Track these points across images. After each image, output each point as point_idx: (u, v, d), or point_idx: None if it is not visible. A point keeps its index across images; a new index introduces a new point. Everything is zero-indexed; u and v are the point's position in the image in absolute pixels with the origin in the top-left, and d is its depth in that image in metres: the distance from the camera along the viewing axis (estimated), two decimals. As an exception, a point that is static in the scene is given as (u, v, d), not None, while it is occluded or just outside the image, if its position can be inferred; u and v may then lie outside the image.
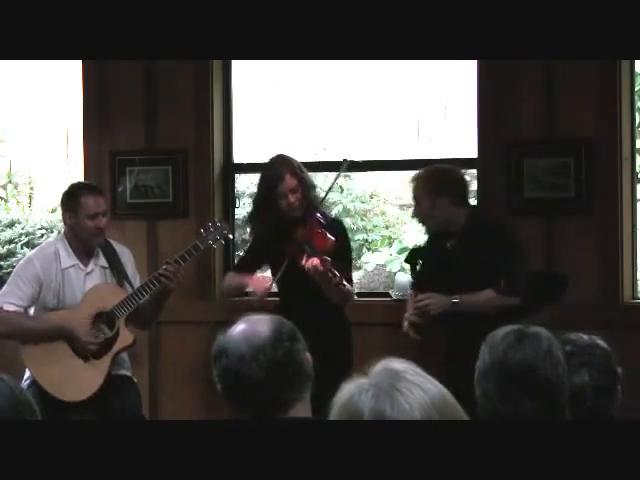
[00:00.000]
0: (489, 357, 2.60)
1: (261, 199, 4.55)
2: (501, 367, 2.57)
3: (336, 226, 4.59)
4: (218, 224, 4.70)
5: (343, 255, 4.49)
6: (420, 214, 4.48)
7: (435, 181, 4.43)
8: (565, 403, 2.63)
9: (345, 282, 4.35)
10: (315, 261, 4.25)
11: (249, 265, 4.70)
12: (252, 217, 4.64)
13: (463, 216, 4.42)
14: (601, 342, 2.87)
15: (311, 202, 4.50)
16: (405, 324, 4.39)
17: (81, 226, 4.52)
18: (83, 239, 4.56)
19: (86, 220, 4.50)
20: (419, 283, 4.50)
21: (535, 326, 2.71)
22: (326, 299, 4.41)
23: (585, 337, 2.88)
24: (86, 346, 4.46)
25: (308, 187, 4.51)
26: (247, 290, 4.61)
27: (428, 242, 4.64)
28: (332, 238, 4.40)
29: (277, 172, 4.47)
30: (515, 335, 2.62)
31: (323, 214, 4.56)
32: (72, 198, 4.55)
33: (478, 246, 4.32)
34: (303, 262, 4.31)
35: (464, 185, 4.54)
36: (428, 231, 4.56)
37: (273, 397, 2.41)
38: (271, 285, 4.51)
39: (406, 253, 5.03)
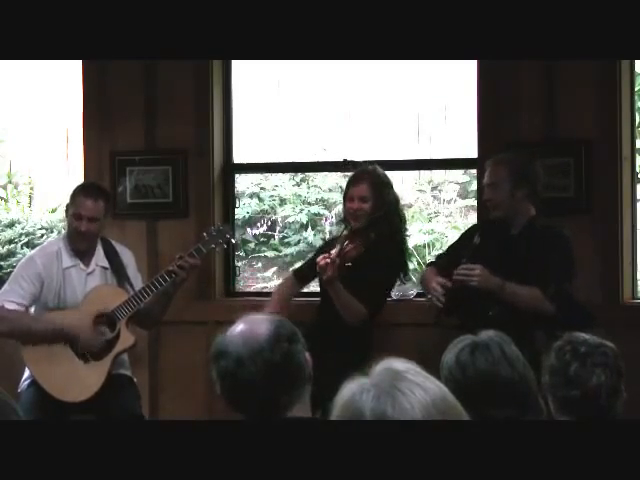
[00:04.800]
0: (451, 380, 2.60)
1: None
2: (462, 386, 2.57)
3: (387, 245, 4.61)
4: (220, 228, 4.71)
5: (375, 267, 4.51)
6: (495, 198, 4.39)
7: (520, 171, 4.37)
8: (536, 395, 2.64)
9: (359, 297, 4.44)
10: (327, 255, 4.36)
11: (309, 272, 4.77)
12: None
13: (530, 213, 4.40)
14: (606, 341, 2.87)
15: (379, 222, 4.55)
16: (434, 288, 4.32)
17: (68, 222, 4.60)
18: (69, 237, 4.58)
19: (72, 217, 4.54)
20: (470, 259, 4.34)
21: (484, 332, 2.72)
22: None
23: (588, 337, 2.88)
24: (87, 347, 4.46)
25: (386, 208, 4.57)
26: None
27: (484, 226, 4.54)
28: (357, 247, 4.44)
29: (354, 175, 4.64)
30: (468, 350, 2.64)
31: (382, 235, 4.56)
32: (72, 193, 4.59)
33: (539, 247, 4.30)
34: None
35: (540, 182, 4.49)
36: (493, 217, 4.46)
37: (271, 399, 2.41)
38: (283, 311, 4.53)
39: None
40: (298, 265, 5.17)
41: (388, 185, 4.66)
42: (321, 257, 4.42)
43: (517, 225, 4.41)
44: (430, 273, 4.51)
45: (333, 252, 4.38)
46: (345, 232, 4.65)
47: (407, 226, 4.86)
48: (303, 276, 4.88)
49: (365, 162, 4.87)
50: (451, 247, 4.76)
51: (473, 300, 4.25)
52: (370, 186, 4.58)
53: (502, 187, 4.36)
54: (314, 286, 5.06)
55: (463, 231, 4.85)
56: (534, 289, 4.24)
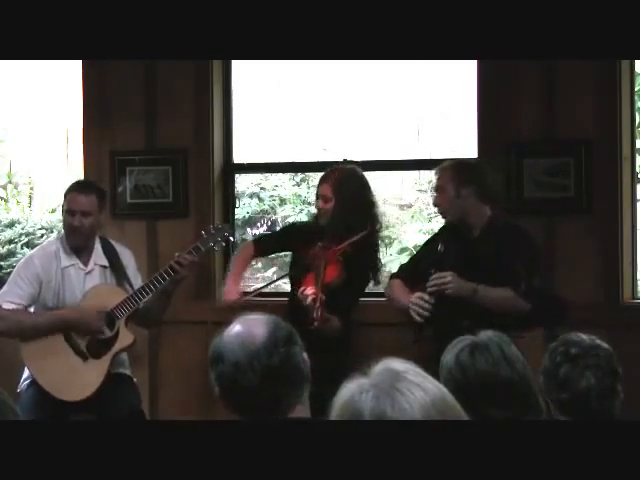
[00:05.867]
0: (450, 381, 2.59)
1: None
2: (462, 386, 2.57)
3: (359, 255, 4.59)
4: (219, 226, 4.72)
5: (348, 284, 4.51)
6: (442, 202, 4.41)
7: (462, 171, 4.38)
8: (536, 395, 2.64)
9: (329, 316, 4.41)
10: (307, 291, 4.33)
11: (268, 245, 4.96)
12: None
13: (485, 214, 4.37)
14: (602, 342, 2.86)
15: (345, 223, 4.55)
16: (414, 303, 4.29)
17: (63, 220, 4.61)
18: (65, 234, 4.59)
19: (65, 214, 4.56)
20: (437, 268, 4.31)
21: (483, 332, 2.71)
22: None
23: (585, 337, 2.87)
24: (88, 327, 4.46)
25: (344, 207, 4.56)
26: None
27: (445, 233, 4.52)
28: (340, 275, 4.43)
29: (324, 174, 4.71)
30: (467, 351, 2.63)
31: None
32: (65, 192, 4.63)
33: (503, 246, 4.28)
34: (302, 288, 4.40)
35: (491, 181, 4.46)
36: (447, 221, 4.47)
37: (270, 403, 2.39)
38: (238, 299, 4.62)
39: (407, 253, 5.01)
40: (259, 235, 5.27)
41: (354, 184, 4.66)
42: (309, 296, 4.31)
43: (476, 227, 4.38)
44: (398, 286, 4.48)
45: (310, 292, 4.32)
46: (318, 248, 4.53)
47: (383, 226, 4.86)
48: (263, 249, 4.97)
49: (346, 161, 4.93)
50: (414, 257, 4.73)
51: (446, 311, 4.21)
52: (332, 185, 4.60)
53: (447, 190, 4.36)
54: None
55: (427, 240, 4.82)
56: (506, 289, 4.20)
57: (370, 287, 4.85)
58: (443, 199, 4.40)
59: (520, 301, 4.19)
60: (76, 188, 4.59)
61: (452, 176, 4.37)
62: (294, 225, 5.12)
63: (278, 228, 5.12)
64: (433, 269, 4.31)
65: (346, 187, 4.62)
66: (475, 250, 4.34)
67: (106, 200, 4.75)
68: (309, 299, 4.29)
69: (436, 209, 4.57)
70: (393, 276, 4.65)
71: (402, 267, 4.71)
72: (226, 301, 4.69)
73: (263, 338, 2.41)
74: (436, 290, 4.23)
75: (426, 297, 4.27)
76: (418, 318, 4.27)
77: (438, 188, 4.44)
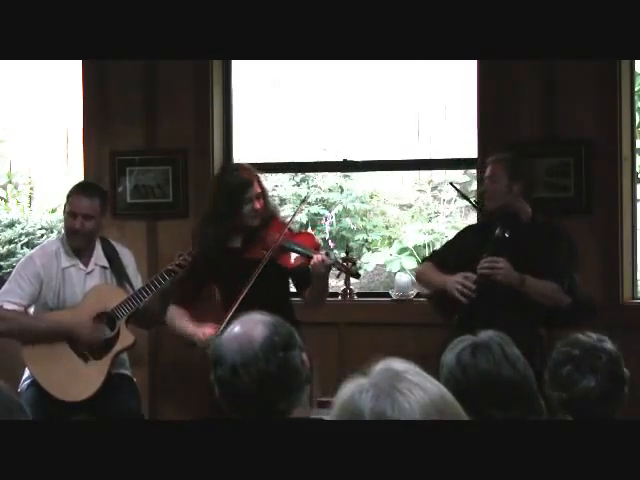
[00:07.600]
0: (451, 381, 2.59)
1: (225, 207, 4.34)
2: (463, 386, 2.56)
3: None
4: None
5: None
6: (491, 192, 4.46)
7: (517, 167, 4.47)
8: (537, 395, 2.64)
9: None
10: (320, 257, 4.12)
11: (194, 293, 4.51)
12: (210, 227, 4.40)
13: (529, 212, 4.47)
14: (608, 344, 2.86)
15: (271, 210, 4.44)
16: (457, 284, 4.28)
17: (64, 221, 4.62)
18: (66, 236, 4.59)
19: (67, 216, 4.57)
20: (491, 253, 4.33)
21: (484, 332, 2.71)
22: (284, 301, 4.36)
23: (593, 338, 2.86)
24: (87, 343, 4.46)
25: (267, 196, 4.46)
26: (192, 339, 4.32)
27: (502, 220, 4.46)
28: (314, 235, 4.37)
29: (245, 178, 4.36)
30: (469, 351, 2.63)
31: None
32: (68, 193, 4.62)
33: (547, 242, 4.39)
34: (292, 262, 4.21)
35: (536, 181, 4.59)
36: (486, 211, 4.54)
37: (268, 407, 2.38)
38: (216, 331, 4.08)
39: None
40: (175, 298, 4.55)
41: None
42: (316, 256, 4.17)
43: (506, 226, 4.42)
44: (432, 269, 4.49)
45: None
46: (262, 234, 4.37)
47: None
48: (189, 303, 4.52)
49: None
50: (449, 244, 4.75)
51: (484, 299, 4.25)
52: (259, 183, 4.40)
53: (499, 181, 4.43)
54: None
55: (460, 230, 4.84)
56: (551, 282, 4.31)
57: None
58: (494, 187, 4.45)
59: (563, 295, 4.32)
60: (80, 190, 4.58)
61: (507, 169, 4.44)
62: (203, 255, 4.50)
63: (191, 268, 4.59)
64: (486, 253, 4.33)
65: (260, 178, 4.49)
66: (526, 241, 4.40)
67: (107, 202, 4.75)
68: (328, 260, 4.12)
69: (485, 195, 4.55)
70: (426, 259, 4.70)
71: (435, 252, 4.76)
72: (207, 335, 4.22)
73: (261, 342, 2.39)
74: (488, 273, 4.26)
75: (473, 277, 4.29)
76: (463, 298, 4.27)
77: (489, 178, 4.48)
